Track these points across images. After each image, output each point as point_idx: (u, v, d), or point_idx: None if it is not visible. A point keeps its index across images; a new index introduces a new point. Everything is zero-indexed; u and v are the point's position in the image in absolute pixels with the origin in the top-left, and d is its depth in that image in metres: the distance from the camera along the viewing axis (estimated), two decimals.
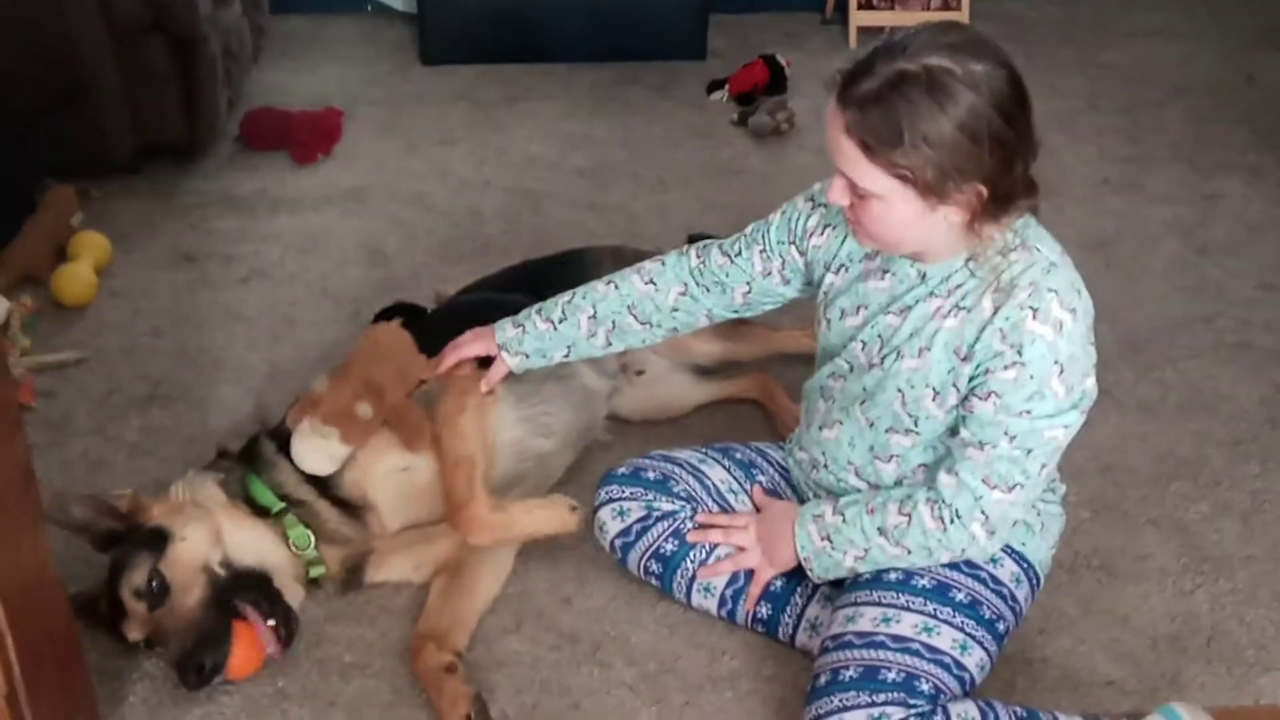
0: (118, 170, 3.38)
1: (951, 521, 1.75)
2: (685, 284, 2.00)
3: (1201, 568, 2.18)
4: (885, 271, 1.79)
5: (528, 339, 2.05)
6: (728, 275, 1.98)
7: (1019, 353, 1.65)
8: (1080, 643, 2.02)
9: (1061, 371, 1.65)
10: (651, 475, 2.06)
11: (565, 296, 2.06)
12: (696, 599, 2.02)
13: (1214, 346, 2.79)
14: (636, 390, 2.49)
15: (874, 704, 1.68)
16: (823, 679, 1.75)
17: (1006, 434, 1.69)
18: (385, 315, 2.71)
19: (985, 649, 1.80)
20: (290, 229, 3.25)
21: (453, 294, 2.63)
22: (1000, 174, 1.60)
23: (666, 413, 2.51)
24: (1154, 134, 3.77)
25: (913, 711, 1.68)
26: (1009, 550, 1.86)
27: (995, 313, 1.67)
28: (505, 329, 2.07)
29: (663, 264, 2.03)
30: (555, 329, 2.04)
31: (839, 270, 1.86)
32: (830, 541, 1.85)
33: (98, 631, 1.94)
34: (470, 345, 2.09)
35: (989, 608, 1.82)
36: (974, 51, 1.58)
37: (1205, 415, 2.56)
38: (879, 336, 1.80)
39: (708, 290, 2.00)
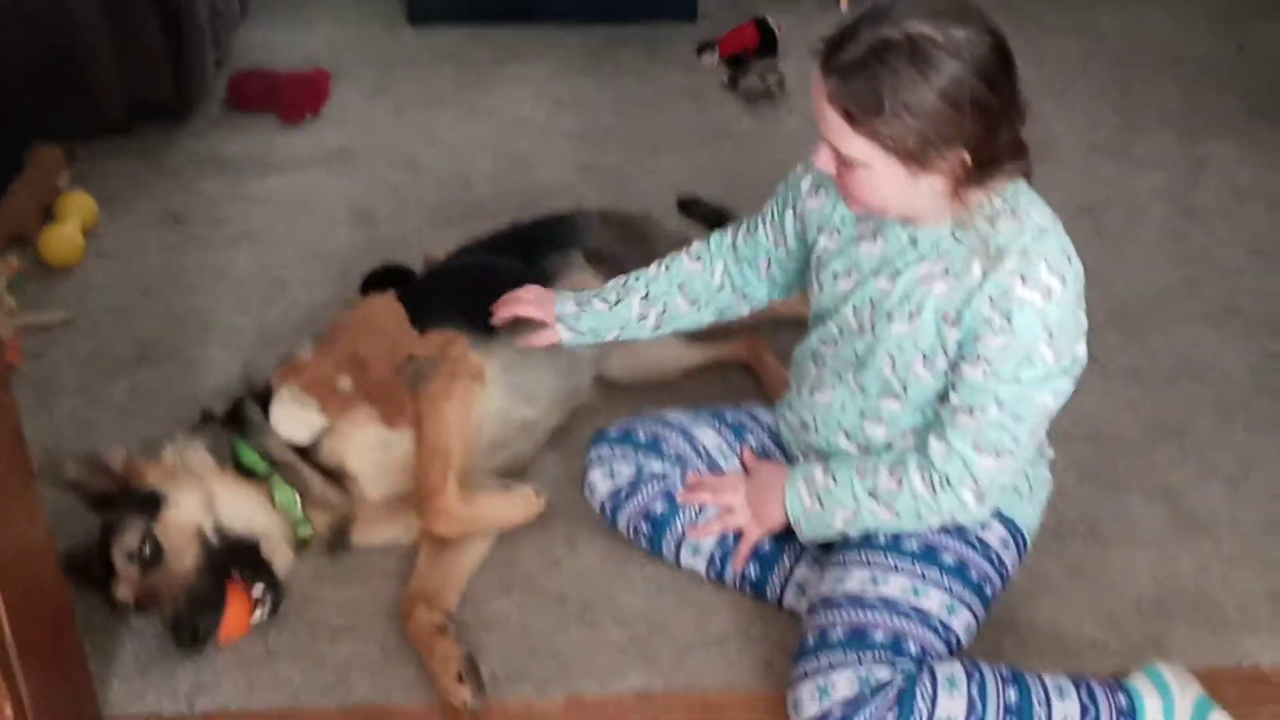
0: (108, 130, 3.36)
1: (942, 487, 1.76)
2: (725, 261, 2.03)
3: (1187, 532, 2.19)
4: (877, 235, 1.79)
5: (584, 318, 2.06)
6: (753, 251, 2.00)
7: (1008, 319, 1.65)
8: (1066, 606, 2.04)
9: (1051, 338, 1.66)
10: (642, 436, 2.06)
11: (621, 279, 2.07)
12: (685, 559, 2.03)
13: (1202, 313, 2.79)
14: (626, 354, 2.49)
15: (861, 664, 1.69)
16: (810, 639, 1.76)
17: (996, 400, 1.69)
18: (374, 277, 2.70)
19: (972, 611, 1.81)
20: (279, 190, 3.24)
21: (442, 257, 2.62)
22: (983, 141, 1.60)
23: (656, 376, 2.51)
24: (1144, 100, 3.76)
25: (899, 672, 1.69)
26: (997, 515, 1.87)
27: (984, 279, 1.67)
28: (566, 303, 2.08)
29: (707, 243, 2.06)
30: (610, 310, 2.05)
31: (832, 234, 1.86)
32: (820, 503, 1.86)
33: (88, 590, 1.94)
34: (528, 306, 2.08)
35: (976, 571, 1.83)
36: (958, 17, 1.57)
37: (1193, 381, 2.58)
38: (870, 301, 1.80)
39: (742, 268, 2.02)
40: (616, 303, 2.05)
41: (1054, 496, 2.01)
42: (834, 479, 1.85)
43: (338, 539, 2.11)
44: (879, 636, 1.72)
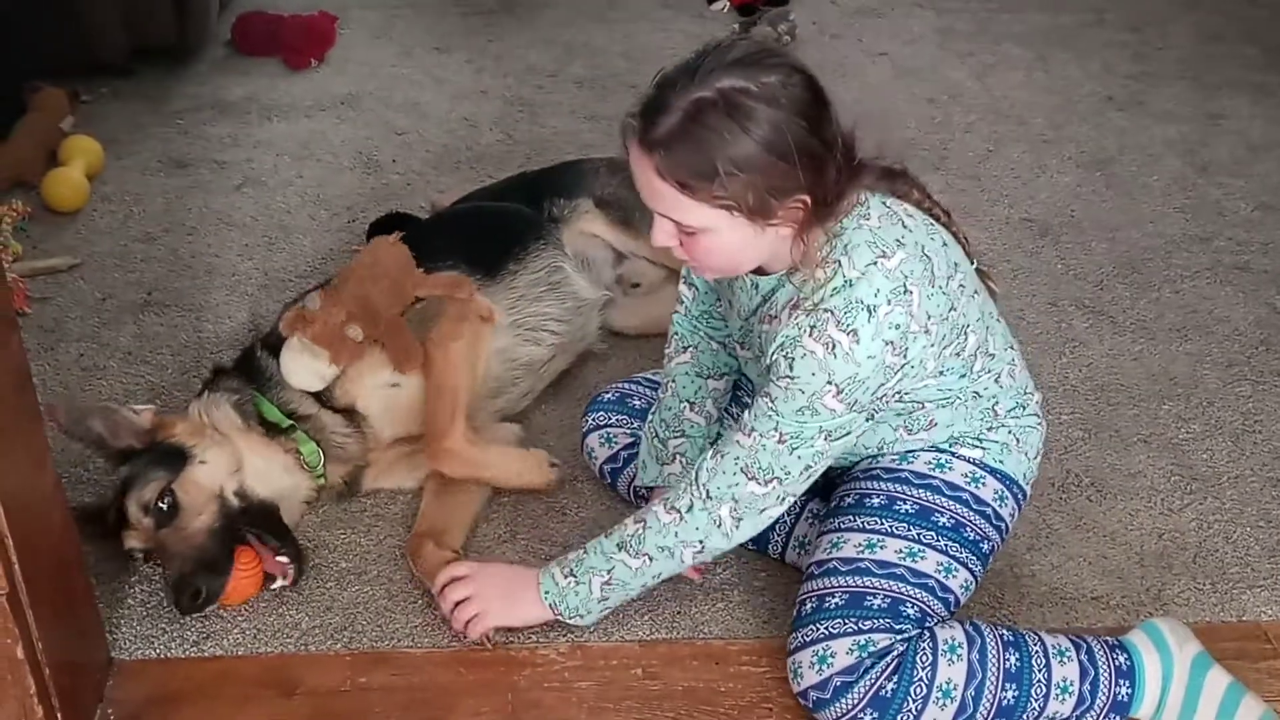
0: (109, 72, 3.33)
1: (700, 503, 1.70)
2: (702, 333, 1.98)
3: (1190, 486, 2.19)
4: (732, 284, 1.78)
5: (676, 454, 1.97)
6: (701, 305, 1.96)
7: (790, 367, 1.62)
8: (1068, 559, 2.04)
9: (839, 391, 1.61)
10: (637, 403, 2.07)
11: (656, 440, 1.98)
12: None
13: (1211, 267, 2.78)
14: (632, 304, 2.49)
15: (860, 630, 1.68)
16: (809, 605, 1.75)
17: (777, 430, 1.66)
18: (379, 225, 2.69)
19: (970, 570, 1.79)
20: (283, 136, 3.22)
21: (448, 204, 2.61)
22: (817, 181, 1.56)
23: (662, 327, 2.47)
24: (1161, 50, 3.72)
25: (899, 636, 1.68)
26: (988, 468, 1.83)
27: (785, 324, 1.64)
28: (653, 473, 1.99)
29: (679, 333, 1.99)
30: (674, 450, 1.95)
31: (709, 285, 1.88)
32: (574, 576, 1.80)
33: (99, 543, 1.93)
34: None
35: (973, 529, 1.80)
36: (762, 63, 1.53)
37: (1200, 336, 2.57)
38: (746, 338, 1.81)
39: (715, 352, 1.97)
40: (679, 436, 1.96)
41: (1058, 449, 2.01)
42: (584, 550, 1.80)
43: (349, 487, 2.12)
44: (877, 601, 1.71)
